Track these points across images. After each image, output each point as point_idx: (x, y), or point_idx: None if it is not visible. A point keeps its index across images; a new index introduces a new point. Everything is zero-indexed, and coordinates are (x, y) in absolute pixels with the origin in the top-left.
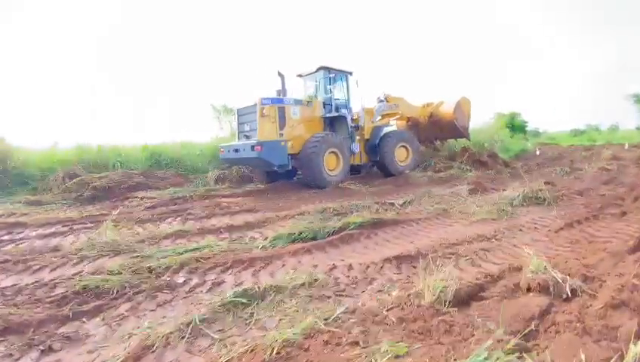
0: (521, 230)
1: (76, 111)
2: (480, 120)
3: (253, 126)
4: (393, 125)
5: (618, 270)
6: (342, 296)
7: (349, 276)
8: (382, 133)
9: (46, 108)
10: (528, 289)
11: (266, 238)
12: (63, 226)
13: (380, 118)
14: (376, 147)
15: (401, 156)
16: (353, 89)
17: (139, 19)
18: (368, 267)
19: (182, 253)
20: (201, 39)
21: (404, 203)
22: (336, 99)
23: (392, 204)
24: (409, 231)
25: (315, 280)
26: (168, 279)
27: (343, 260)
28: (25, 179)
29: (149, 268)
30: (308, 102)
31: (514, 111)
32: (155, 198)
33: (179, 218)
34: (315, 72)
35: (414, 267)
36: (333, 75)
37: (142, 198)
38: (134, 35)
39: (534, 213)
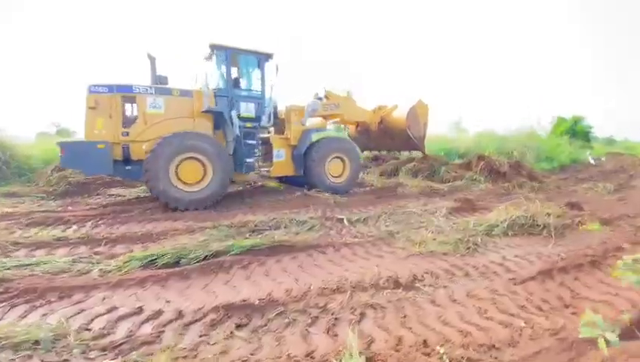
0: (467, 275)
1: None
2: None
3: None
4: (330, 129)
5: None
6: None
7: (132, 332)
8: (311, 139)
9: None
10: None
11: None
12: None
13: (316, 118)
14: (303, 157)
15: (335, 170)
16: (271, 77)
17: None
18: (180, 317)
19: (8, 269)
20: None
21: (358, 219)
22: (245, 91)
23: (341, 221)
24: (310, 262)
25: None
26: None
27: (168, 302)
28: (26, 172)
29: None
30: (183, 91)
31: (577, 115)
32: (123, 196)
33: (101, 221)
34: (211, 54)
35: (238, 326)
36: (226, 55)
37: (109, 196)
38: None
39: (514, 249)
